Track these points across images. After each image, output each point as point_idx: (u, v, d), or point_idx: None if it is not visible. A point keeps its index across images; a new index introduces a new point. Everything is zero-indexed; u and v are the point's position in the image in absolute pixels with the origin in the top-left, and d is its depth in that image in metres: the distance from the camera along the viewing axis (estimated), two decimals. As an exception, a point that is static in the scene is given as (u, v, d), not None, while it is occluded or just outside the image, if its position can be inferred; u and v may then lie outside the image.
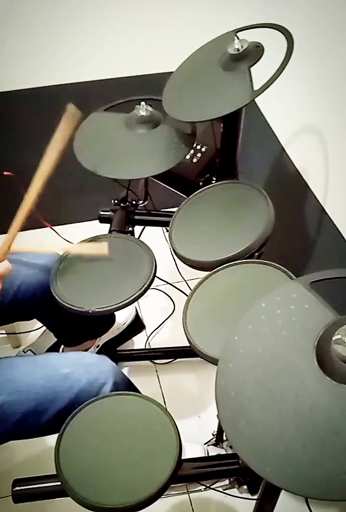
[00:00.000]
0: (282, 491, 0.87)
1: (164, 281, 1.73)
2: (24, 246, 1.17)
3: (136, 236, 1.44)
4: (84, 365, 1.09)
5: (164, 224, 1.47)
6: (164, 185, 1.46)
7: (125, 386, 1.13)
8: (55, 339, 1.56)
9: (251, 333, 0.77)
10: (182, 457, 0.89)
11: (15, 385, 1.04)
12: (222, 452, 1.37)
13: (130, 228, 1.40)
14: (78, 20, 1.66)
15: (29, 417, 1.02)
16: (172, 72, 1.28)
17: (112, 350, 1.62)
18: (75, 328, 1.45)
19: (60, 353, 1.51)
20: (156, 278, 1.15)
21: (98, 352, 1.56)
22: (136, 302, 1.28)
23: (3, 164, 1.46)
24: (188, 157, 1.42)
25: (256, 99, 1.08)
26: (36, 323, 1.56)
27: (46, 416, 1.03)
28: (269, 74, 1.05)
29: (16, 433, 1.06)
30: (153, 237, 1.43)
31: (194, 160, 1.44)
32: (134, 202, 1.45)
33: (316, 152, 1.33)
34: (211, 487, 1.25)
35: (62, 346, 1.56)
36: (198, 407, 1.56)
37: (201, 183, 1.40)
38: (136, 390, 1.20)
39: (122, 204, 1.43)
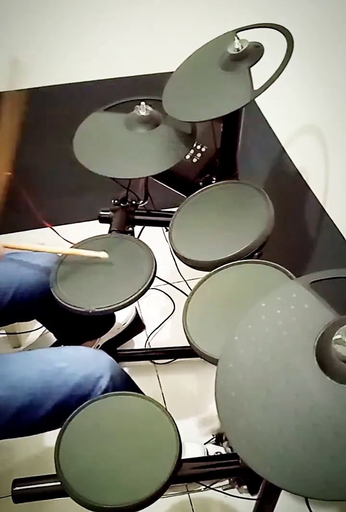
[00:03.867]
0: (282, 491, 0.87)
1: (164, 281, 1.73)
2: (24, 244, 1.17)
3: (136, 236, 1.44)
4: (80, 359, 1.08)
5: (164, 224, 1.47)
6: (164, 185, 1.46)
7: (123, 380, 1.12)
8: (55, 339, 1.56)
9: (251, 333, 0.77)
10: (182, 457, 0.89)
11: (9, 380, 1.03)
12: (222, 452, 1.36)
13: (130, 228, 1.40)
14: (78, 20, 1.66)
15: (24, 412, 1.01)
16: (172, 72, 1.28)
17: (112, 350, 1.62)
18: (75, 328, 1.45)
19: (56, 347, 1.51)
20: (156, 278, 1.15)
21: (98, 352, 1.56)
22: (136, 302, 1.28)
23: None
24: (188, 157, 1.42)
25: (256, 99, 1.08)
26: (36, 323, 1.56)
27: (42, 411, 1.02)
28: (269, 74, 1.05)
29: (12, 429, 1.05)
30: (153, 237, 1.43)
31: (194, 160, 1.44)
32: (134, 202, 1.45)
33: (316, 152, 1.33)
34: (211, 487, 1.25)
35: (62, 346, 1.56)
36: (198, 407, 1.56)
37: (201, 183, 1.40)
38: (134, 385, 1.19)
39: (122, 204, 1.43)
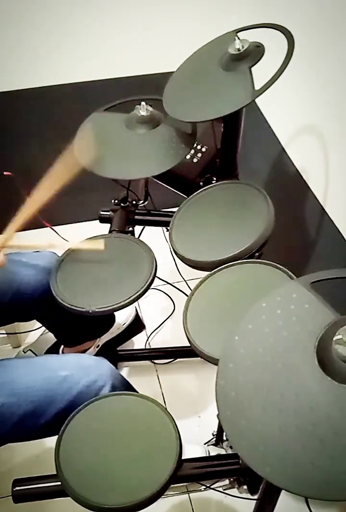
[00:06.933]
0: (282, 491, 0.87)
1: (164, 281, 1.73)
2: (21, 242, 1.17)
3: (136, 236, 1.44)
4: (82, 368, 1.09)
5: (164, 224, 1.47)
6: (164, 185, 1.46)
7: (124, 388, 1.13)
8: (55, 340, 1.56)
9: (251, 333, 0.77)
10: (182, 457, 0.89)
11: (13, 387, 1.03)
12: (222, 452, 1.36)
13: (130, 228, 1.40)
14: (78, 20, 1.66)
15: (27, 419, 1.02)
16: (172, 72, 1.28)
17: (112, 350, 1.62)
18: (75, 328, 1.45)
19: (58, 354, 1.51)
20: (156, 278, 1.15)
21: (98, 352, 1.56)
22: (136, 302, 1.28)
23: (3, 164, 1.46)
24: (188, 157, 1.42)
25: (256, 99, 1.08)
26: (36, 323, 1.56)
27: (45, 418, 1.03)
28: (270, 74, 1.05)
29: (14, 435, 1.06)
30: (153, 237, 1.43)
31: (194, 160, 1.44)
32: (134, 202, 1.45)
33: (316, 152, 1.33)
34: (211, 487, 1.25)
35: (62, 346, 1.56)
36: (198, 407, 1.56)
37: (201, 183, 1.40)
38: (135, 392, 1.20)
39: (122, 204, 1.43)
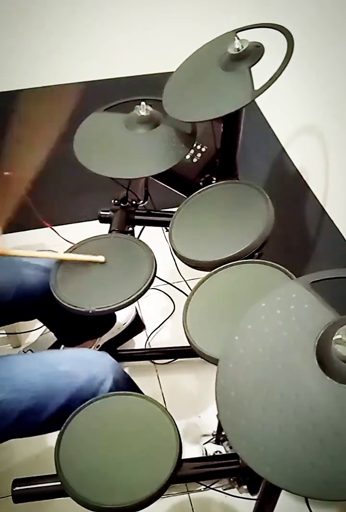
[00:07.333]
0: (282, 491, 0.87)
1: (164, 281, 1.73)
2: (23, 251, 1.17)
3: (136, 236, 1.44)
4: (83, 362, 1.08)
5: (164, 224, 1.47)
6: (164, 185, 1.46)
7: (125, 383, 1.13)
8: (56, 339, 1.56)
9: (251, 333, 0.77)
10: (182, 457, 0.89)
11: (13, 383, 1.03)
12: (222, 451, 1.36)
13: (130, 228, 1.40)
14: (78, 20, 1.66)
15: (28, 415, 1.02)
16: (172, 72, 1.28)
17: (112, 350, 1.61)
18: (75, 328, 1.45)
19: (59, 350, 1.51)
20: (156, 278, 1.15)
21: (98, 352, 1.56)
22: (136, 302, 1.28)
23: (3, 164, 1.46)
24: (188, 157, 1.42)
25: (256, 99, 1.08)
26: (36, 323, 1.56)
27: (46, 413, 1.02)
28: (270, 74, 1.05)
29: (16, 431, 1.05)
30: (153, 237, 1.43)
31: (194, 160, 1.44)
32: (134, 202, 1.45)
33: (316, 152, 1.33)
34: (211, 487, 1.25)
35: (62, 346, 1.56)
36: (198, 407, 1.56)
37: (201, 183, 1.40)
38: (137, 388, 1.20)
39: (122, 204, 1.43)
